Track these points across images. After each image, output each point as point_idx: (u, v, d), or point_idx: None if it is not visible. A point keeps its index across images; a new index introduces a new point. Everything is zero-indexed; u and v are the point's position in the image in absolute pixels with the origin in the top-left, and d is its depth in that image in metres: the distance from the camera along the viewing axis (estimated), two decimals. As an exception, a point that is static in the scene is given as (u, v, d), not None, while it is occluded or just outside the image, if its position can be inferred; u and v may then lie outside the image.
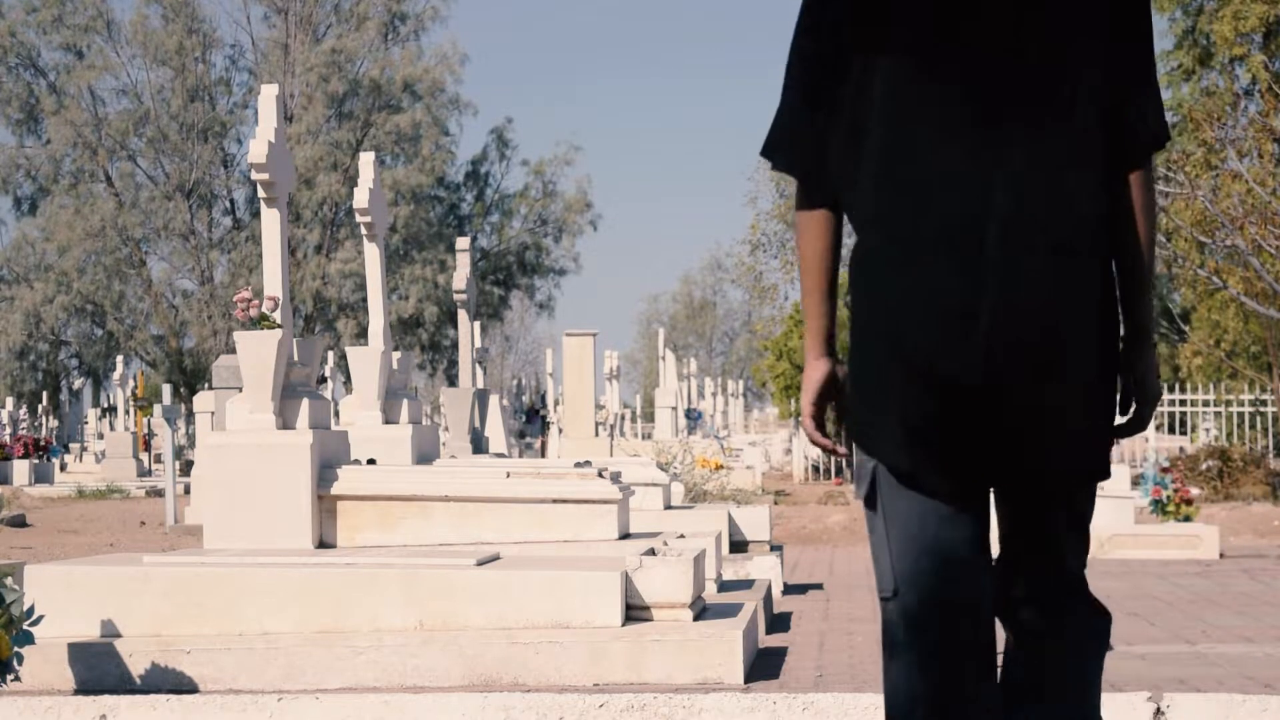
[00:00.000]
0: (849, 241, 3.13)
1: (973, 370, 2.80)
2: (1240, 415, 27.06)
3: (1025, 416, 2.82)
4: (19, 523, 16.29)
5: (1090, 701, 2.99)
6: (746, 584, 8.42)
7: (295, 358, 7.41)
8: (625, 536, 7.36)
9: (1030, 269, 2.80)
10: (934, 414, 2.82)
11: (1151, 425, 27.82)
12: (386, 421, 8.95)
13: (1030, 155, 2.82)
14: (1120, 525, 12.84)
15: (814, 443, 3.02)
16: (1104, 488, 18.12)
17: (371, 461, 7.75)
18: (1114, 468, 18.85)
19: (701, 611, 6.54)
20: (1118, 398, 2.96)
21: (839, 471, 25.60)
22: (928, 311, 2.82)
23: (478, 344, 17.56)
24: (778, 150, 3.00)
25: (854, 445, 2.97)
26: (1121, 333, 2.97)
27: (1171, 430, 30.56)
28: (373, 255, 9.47)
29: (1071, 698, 2.97)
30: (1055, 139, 2.84)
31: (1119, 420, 2.97)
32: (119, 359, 36.49)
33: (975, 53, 2.84)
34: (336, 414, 11.17)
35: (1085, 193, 2.86)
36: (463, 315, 13.74)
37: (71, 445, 34.21)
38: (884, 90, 2.87)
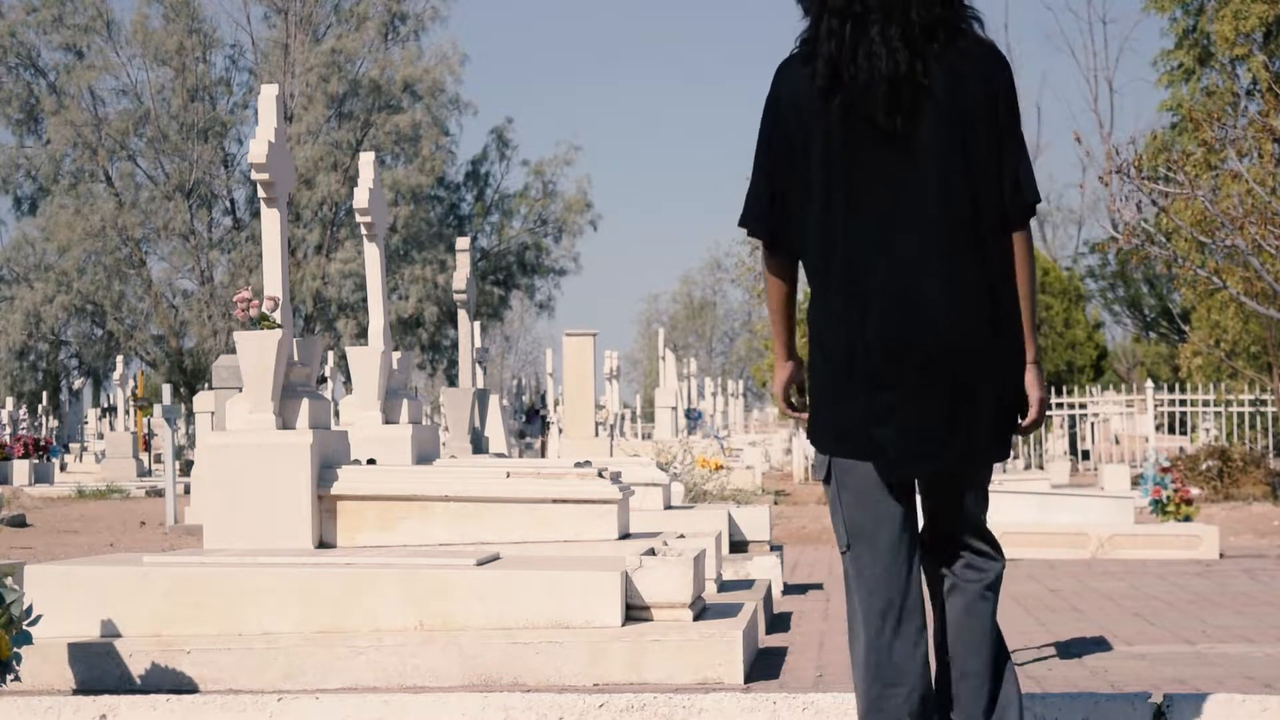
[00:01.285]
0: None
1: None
2: (1240, 415, 27.04)
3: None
4: (19, 523, 16.30)
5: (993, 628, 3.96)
6: (746, 584, 8.42)
7: (295, 358, 7.41)
8: (625, 536, 7.36)
9: (933, 321, 3.75)
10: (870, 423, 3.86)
11: (1152, 425, 27.85)
12: (386, 421, 8.95)
13: (925, 240, 3.75)
14: (1120, 525, 12.83)
15: (785, 413, 4.10)
16: (1104, 488, 18.17)
17: (371, 461, 7.75)
18: (1115, 467, 18.98)
19: (701, 611, 6.53)
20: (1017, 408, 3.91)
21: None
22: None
23: (478, 344, 17.56)
24: (750, 222, 3.94)
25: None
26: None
27: (1171, 430, 30.55)
28: (373, 255, 9.47)
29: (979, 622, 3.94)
30: (943, 227, 3.76)
31: (1024, 421, 3.92)
32: (119, 359, 36.49)
33: (880, 165, 3.75)
34: (336, 414, 11.18)
35: (971, 264, 3.77)
36: (463, 315, 13.74)
37: (71, 445, 34.23)
38: (818, 182, 3.80)
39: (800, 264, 3.93)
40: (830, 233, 3.78)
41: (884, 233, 3.74)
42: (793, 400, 4.06)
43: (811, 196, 3.80)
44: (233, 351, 8.94)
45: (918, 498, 3.95)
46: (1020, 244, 3.85)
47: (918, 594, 3.88)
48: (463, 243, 14.02)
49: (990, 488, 4.04)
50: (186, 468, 25.43)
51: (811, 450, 31.67)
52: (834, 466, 3.91)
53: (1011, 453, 4.19)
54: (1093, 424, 32.37)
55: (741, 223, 3.94)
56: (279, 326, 7.29)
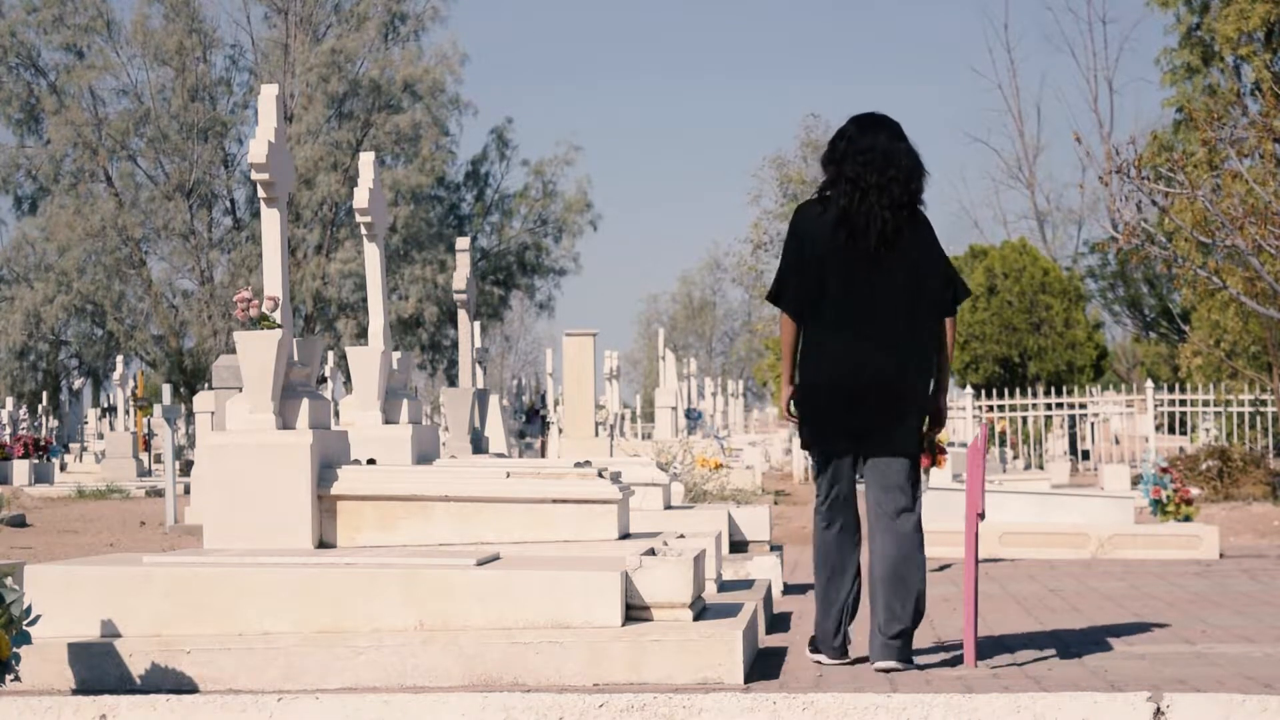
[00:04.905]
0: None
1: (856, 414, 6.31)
2: (1240, 415, 27.03)
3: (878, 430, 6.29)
4: (19, 523, 16.29)
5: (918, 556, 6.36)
6: (746, 584, 8.42)
7: (295, 358, 7.41)
8: (625, 536, 7.36)
9: (887, 364, 6.21)
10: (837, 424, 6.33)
11: (1152, 425, 27.85)
12: (386, 421, 8.95)
13: (885, 319, 6.22)
14: (1120, 525, 12.83)
15: (786, 418, 6.44)
16: (1104, 488, 18.17)
17: (371, 461, 7.75)
18: (1115, 467, 19.00)
19: (701, 611, 6.53)
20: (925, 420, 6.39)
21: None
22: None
23: (478, 344, 17.55)
24: (780, 296, 6.34)
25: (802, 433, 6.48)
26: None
27: (1171, 430, 30.55)
28: (373, 255, 9.47)
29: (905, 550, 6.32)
30: (899, 312, 6.23)
31: (928, 428, 6.42)
32: (119, 359, 36.45)
33: (864, 273, 6.20)
34: (336, 414, 11.17)
35: (919, 337, 6.25)
36: (463, 315, 13.74)
37: (71, 445, 34.20)
38: (822, 279, 6.25)
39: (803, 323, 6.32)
40: (829, 310, 6.19)
41: (860, 313, 6.18)
42: (791, 410, 6.41)
43: (818, 287, 6.21)
44: (233, 351, 8.94)
45: (858, 469, 6.33)
46: (948, 325, 6.35)
47: (856, 524, 6.41)
48: (463, 243, 14.01)
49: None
50: (186, 468, 25.42)
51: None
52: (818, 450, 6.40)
53: (916, 450, 6.30)
54: (1093, 424, 32.37)
55: (772, 299, 6.32)
56: (279, 326, 7.29)
